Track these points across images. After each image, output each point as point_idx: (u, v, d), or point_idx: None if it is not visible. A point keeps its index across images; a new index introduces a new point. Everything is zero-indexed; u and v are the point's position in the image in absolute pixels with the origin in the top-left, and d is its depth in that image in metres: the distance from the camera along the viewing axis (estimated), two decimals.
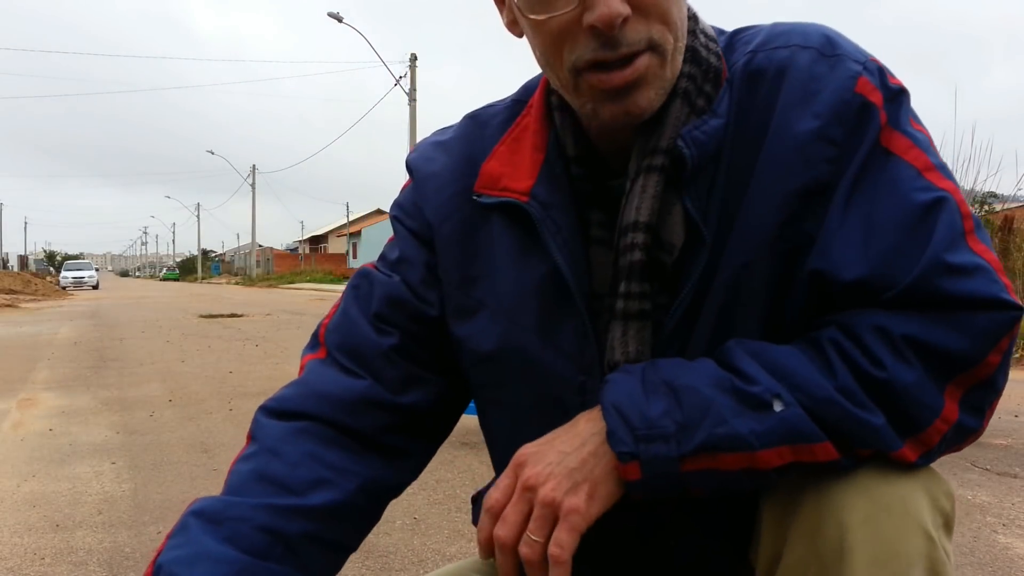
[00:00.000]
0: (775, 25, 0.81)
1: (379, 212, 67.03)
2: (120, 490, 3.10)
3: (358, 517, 0.84)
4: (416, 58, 22.68)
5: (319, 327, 0.92)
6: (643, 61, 0.72)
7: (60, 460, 3.61)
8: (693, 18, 0.79)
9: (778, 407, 0.68)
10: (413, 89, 22.31)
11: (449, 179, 0.88)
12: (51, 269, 75.57)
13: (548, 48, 0.74)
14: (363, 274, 0.92)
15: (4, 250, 76.65)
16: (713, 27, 0.84)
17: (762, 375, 0.70)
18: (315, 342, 0.92)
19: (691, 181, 0.75)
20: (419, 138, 1.03)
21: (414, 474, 0.92)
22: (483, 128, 0.89)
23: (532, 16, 0.73)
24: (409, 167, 0.93)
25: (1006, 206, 9.54)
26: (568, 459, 0.72)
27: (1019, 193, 9.86)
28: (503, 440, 0.89)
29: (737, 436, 0.68)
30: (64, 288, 37.53)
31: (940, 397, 0.69)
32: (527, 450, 0.75)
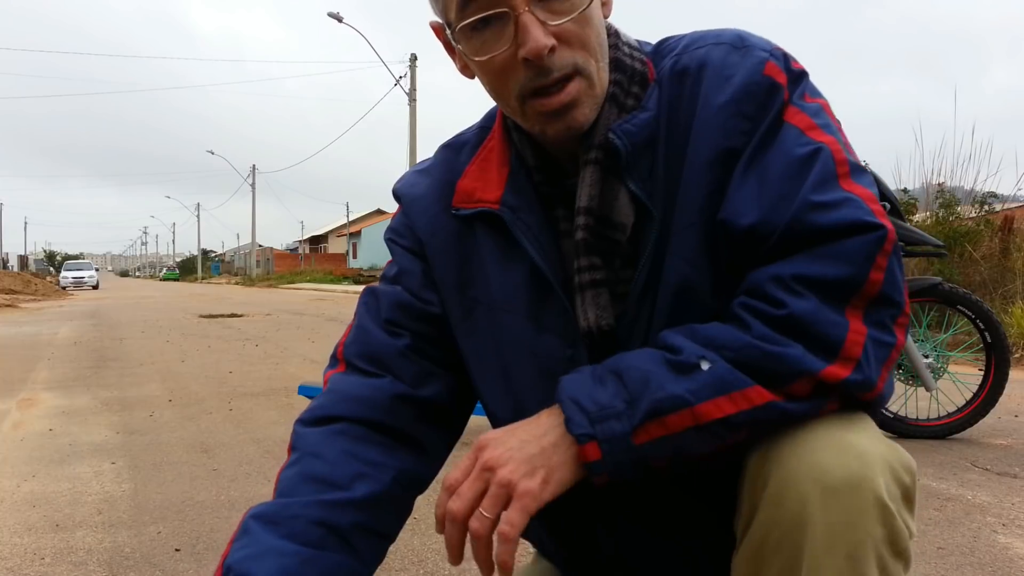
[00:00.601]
0: (695, 32, 0.94)
1: (379, 212, 67.06)
2: (120, 490, 3.10)
3: (396, 507, 0.94)
4: (416, 58, 22.68)
5: (337, 347, 1.03)
6: (574, 86, 0.85)
7: (60, 460, 3.61)
8: (615, 34, 0.93)
9: (705, 366, 0.77)
10: (413, 89, 22.31)
11: (433, 199, 1.01)
12: (51, 269, 75.58)
13: (495, 82, 0.87)
14: (370, 291, 1.04)
15: (4, 250, 76.63)
16: (638, 40, 0.97)
17: (688, 344, 0.79)
18: (334, 360, 1.03)
19: (630, 166, 0.87)
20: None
21: (437, 467, 1.02)
22: (457, 154, 1.02)
23: (477, 58, 0.86)
24: (396, 195, 1.07)
25: (1006, 206, 9.53)
26: (528, 446, 0.80)
27: (1019, 193, 9.86)
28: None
29: (675, 396, 0.77)
30: (64, 288, 37.52)
31: (842, 317, 0.77)
32: (489, 436, 0.83)
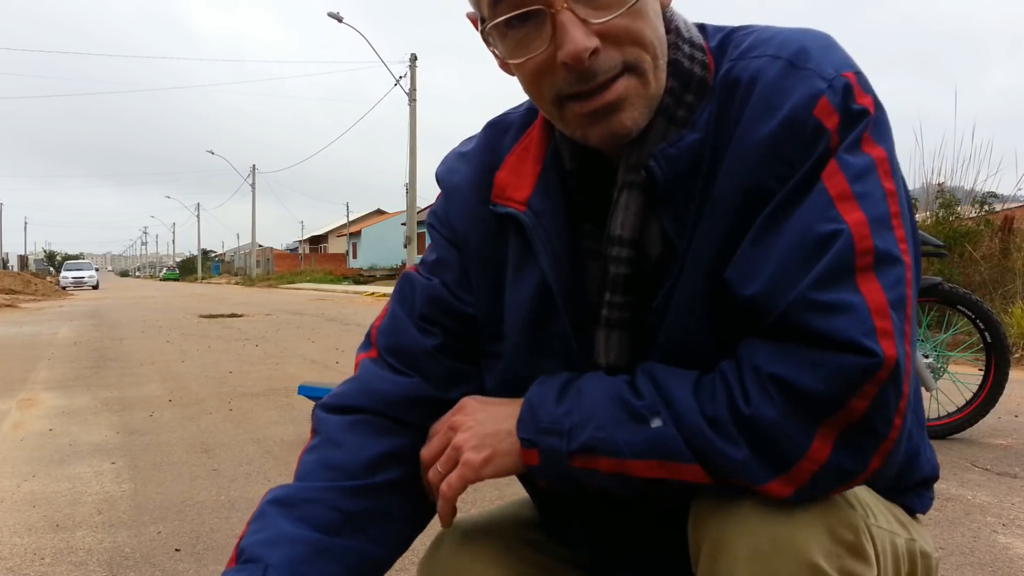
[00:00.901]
0: (763, 30, 0.81)
1: (379, 212, 67.07)
2: (120, 490, 3.10)
3: (417, 495, 0.91)
4: (416, 58, 22.67)
5: (371, 328, 0.99)
6: (621, 83, 0.74)
7: (60, 460, 3.61)
8: (675, 31, 0.81)
9: (655, 423, 0.73)
10: (413, 89, 22.31)
11: (471, 192, 0.93)
12: (51, 269, 75.57)
13: (530, 85, 0.79)
14: (406, 278, 0.99)
15: (4, 250, 76.63)
16: (708, 25, 0.85)
17: (650, 393, 0.75)
18: (367, 342, 0.98)
19: (666, 199, 0.78)
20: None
21: None
22: (502, 136, 0.93)
23: (512, 60, 0.78)
24: (438, 180, 0.99)
25: (1006, 206, 9.54)
26: (488, 424, 0.82)
27: (1019, 193, 9.86)
28: None
29: (612, 443, 0.74)
30: (64, 288, 37.53)
31: (808, 436, 0.69)
32: (470, 401, 0.86)
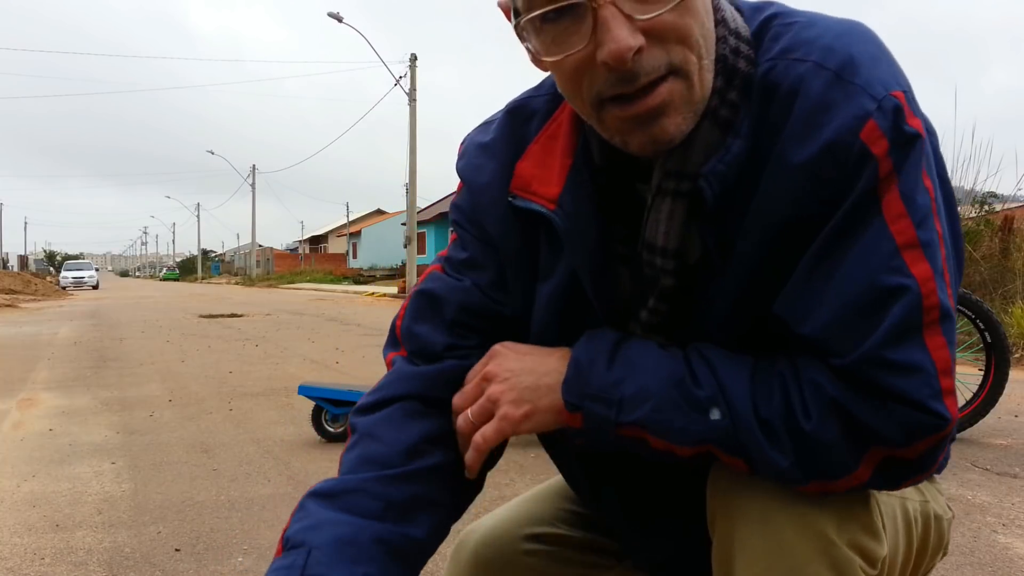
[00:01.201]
0: (805, 23, 0.75)
1: (379, 212, 67.03)
2: (120, 490, 3.10)
3: (458, 478, 0.88)
4: (416, 58, 22.66)
5: (394, 326, 0.94)
6: (665, 87, 0.69)
7: (60, 460, 3.61)
8: (722, 22, 0.75)
9: (713, 415, 0.73)
10: (413, 89, 22.29)
11: (500, 191, 0.87)
12: (51, 269, 75.53)
13: (568, 85, 0.74)
14: (434, 279, 0.92)
15: (4, 250, 76.59)
16: (743, 4, 0.79)
17: (709, 382, 0.74)
18: (394, 340, 0.94)
19: (714, 215, 0.75)
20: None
21: None
22: (524, 124, 0.88)
23: (547, 58, 0.72)
24: (461, 176, 0.93)
25: (1006, 206, 9.54)
26: (527, 376, 0.80)
27: (1019, 193, 9.86)
28: None
29: (668, 426, 0.74)
30: (64, 288, 37.51)
31: (856, 461, 0.71)
32: (504, 348, 0.83)
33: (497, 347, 0.84)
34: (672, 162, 0.75)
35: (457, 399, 0.85)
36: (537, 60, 0.76)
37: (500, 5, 0.77)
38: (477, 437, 0.81)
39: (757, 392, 0.73)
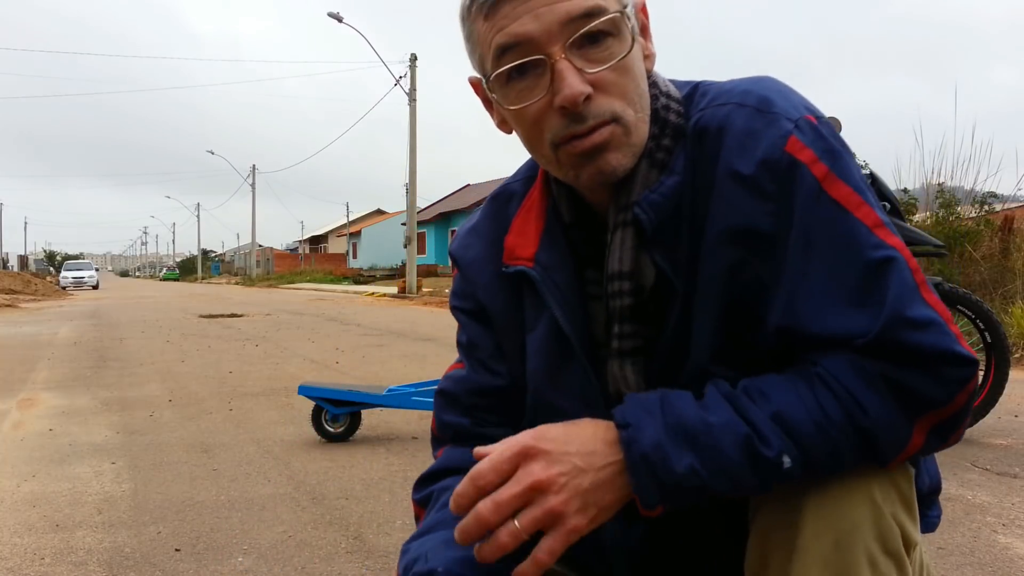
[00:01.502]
0: (725, 84, 0.90)
1: (379, 212, 67.02)
2: (120, 490, 3.10)
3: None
4: (416, 58, 22.66)
5: (431, 429, 1.06)
6: (607, 129, 0.82)
7: (60, 460, 3.61)
8: (654, 85, 0.90)
9: (786, 464, 0.76)
10: (413, 89, 22.30)
11: (486, 261, 1.00)
12: (51, 269, 75.52)
13: (530, 131, 0.86)
14: (445, 377, 1.05)
15: (4, 250, 76.60)
16: (677, 80, 0.95)
17: (777, 437, 0.76)
18: (434, 438, 1.06)
19: (656, 239, 0.85)
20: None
21: None
22: (505, 206, 1.02)
23: (511, 107, 0.85)
24: (453, 257, 1.06)
25: (1006, 206, 9.53)
26: (583, 478, 0.77)
27: (1019, 193, 9.86)
28: None
29: (739, 489, 0.77)
30: (64, 288, 37.51)
31: (910, 431, 0.77)
32: (541, 445, 0.78)
33: (529, 445, 0.78)
34: (620, 199, 0.88)
35: (491, 513, 0.76)
36: (502, 123, 0.91)
37: (470, 81, 0.92)
38: (541, 555, 0.76)
39: (816, 416, 0.76)
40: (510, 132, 0.91)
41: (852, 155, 0.84)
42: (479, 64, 0.87)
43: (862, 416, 0.75)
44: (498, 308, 0.99)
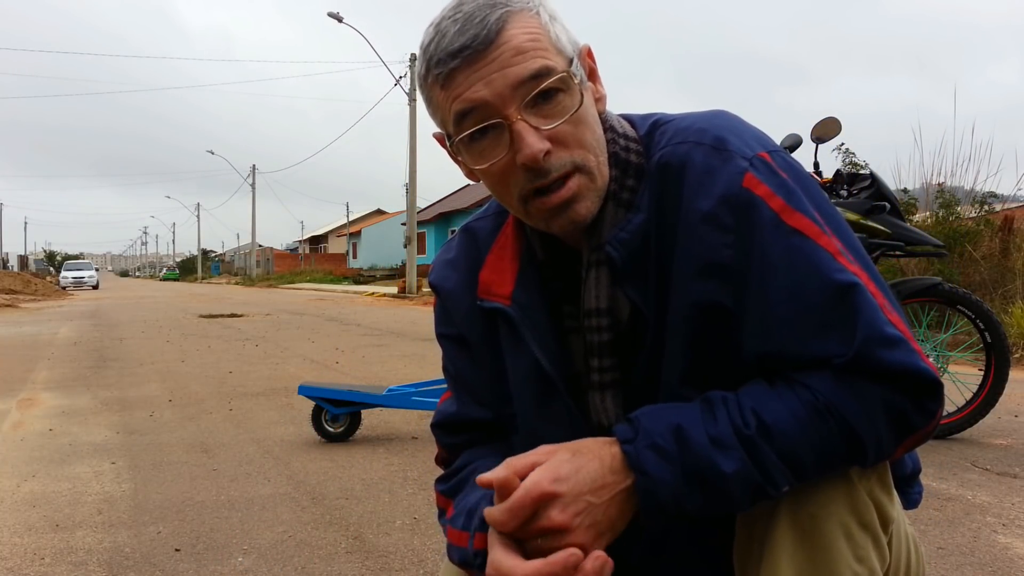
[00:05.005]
0: (681, 119, 0.94)
1: (379, 212, 66.98)
2: (120, 490, 3.10)
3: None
4: (416, 58, 22.66)
5: (437, 459, 1.11)
6: (574, 182, 0.87)
7: (60, 460, 3.61)
8: (610, 128, 0.94)
9: (784, 489, 0.80)
10: (413, 89, 22.28)
11: (462, 294, 1.04)
12: (51, 269, 75.45)
13: (497, 186, 0.90)
14: (442, 413, 1.09)
15: (4, 250, 76.60)
16: (634, 116, 0.99)
17: (783, 477, 0.80)
18: (440, 458, 1.11)
19: (627, 274, 0.90)
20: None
21: None
22: (476, 240, 1.06)
23: (478, 167, 0.89)
24: (433, 287, 1.10)
25: (1006, 206, 9.53)
26: (596, 512, 0.81)
27: (1019, 193, 9.86)
28: None
29: (741, 509, 0.83)
30: (64, 288, 37.50)
31: (894, 450, 0.82)
32: (556, 488, 0.80)
33: (547, 490, 0.80)
34: (592, 240, 0.93)
35: (507, 522, 0.80)
36: (470, 173, 0.94)
37: (434, 136, 0.95)
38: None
39: (816, 445, 0.80)
40: (478, 181, 0.94)
41: (812, 183, 0.88)
42: (442, 125, 0.91)
43: (860, 449, 0.80)
44: (476, 338, 1.03)
